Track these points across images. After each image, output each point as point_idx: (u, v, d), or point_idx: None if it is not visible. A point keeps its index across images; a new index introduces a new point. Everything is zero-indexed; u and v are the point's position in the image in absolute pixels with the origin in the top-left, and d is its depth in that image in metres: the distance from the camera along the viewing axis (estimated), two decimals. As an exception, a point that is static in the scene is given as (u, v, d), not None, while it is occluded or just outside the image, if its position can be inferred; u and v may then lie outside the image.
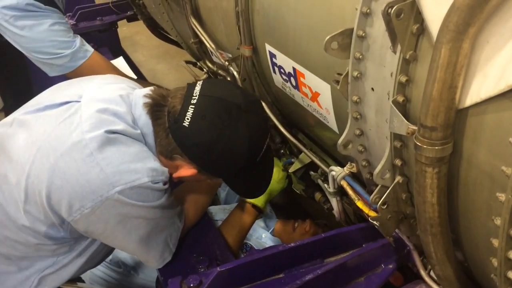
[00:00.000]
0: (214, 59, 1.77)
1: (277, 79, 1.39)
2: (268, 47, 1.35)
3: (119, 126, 1.07)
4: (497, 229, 0.70)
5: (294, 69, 1.24)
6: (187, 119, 1.06)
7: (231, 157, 1.11)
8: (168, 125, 1.09)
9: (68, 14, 2.81)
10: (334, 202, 1.26)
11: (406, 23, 0.76)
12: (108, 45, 3.01)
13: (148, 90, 1.17)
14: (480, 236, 0.80)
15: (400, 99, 0.83)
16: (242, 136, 1.08)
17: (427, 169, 0.76)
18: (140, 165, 1.06)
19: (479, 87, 0.68)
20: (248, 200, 1.53)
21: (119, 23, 3.10)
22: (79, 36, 1.86)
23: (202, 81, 1.17)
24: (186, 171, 1.14)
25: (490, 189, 0.73)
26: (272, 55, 1.34)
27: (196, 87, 1.11)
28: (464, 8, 0.62)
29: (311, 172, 1.47)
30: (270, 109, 1.52)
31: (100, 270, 1.79)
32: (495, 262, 0.74)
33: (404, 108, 0.84)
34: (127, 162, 1.04)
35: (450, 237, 0.86)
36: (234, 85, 1.23)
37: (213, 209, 1.96)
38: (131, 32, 4.54)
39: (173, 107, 1.10)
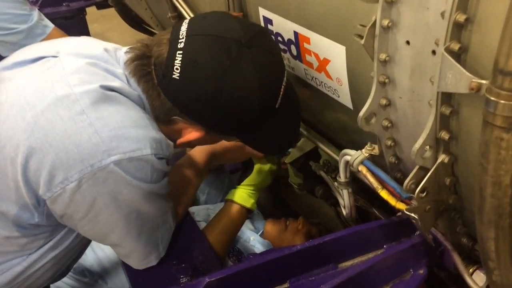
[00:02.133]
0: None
1: (273, 50, 1.17)
2: (262, 12, 1.13)
3: (115, 83, 0.85)
4: None
5: (296, 33, 1.02)
6: (176, 69, 0.84)
7: (241, 108, 0.88)
8: (157, 81, 0.87)
9: (30, -1, 2.54)
10: (345, 194, 1.04)
11: None
12: (76, 34, 2.73)
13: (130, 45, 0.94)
14: None
15: (456, 46, 0.62)
16: (249, 79, 0.85)
17: (504, 136, 0.55)
18: (143, 133, 0.84)
19: None
20: (236, 200, 1.31)
21: (89, 19, 2.84)
22: (36, 9, 1.60)
23: (189, 18, 0.93)
24: (192, 134, 0.93)
25: None
26: (267, 21, 1.12)
27: (182, 27, 0.88)
28: None
29: (311, 162, 1.26)
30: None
31: (63, 282, 1.53)
32: None
33: (458, 60, 0.63)
34: (127, 127, 0.83)
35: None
36: (230, 17, 0.96)
37: (194, 209, 1.72)
38: (103, 29, 4.30)
39: (159, 57, 0.87)
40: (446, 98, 0.67)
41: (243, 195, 1.33)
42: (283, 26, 1.06)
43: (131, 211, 0.89)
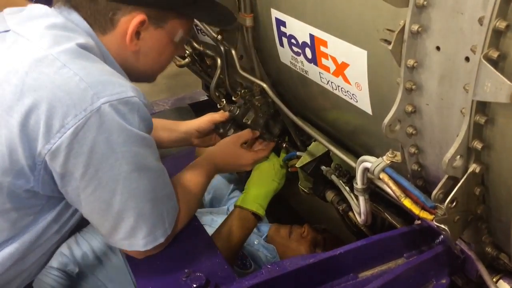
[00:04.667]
0: (201, 37, 1.50)
1: (285, 53, 1.14)
2: (275, 13, 1.10)
3: (82, 39, 0.91)
4: None
5: (311, 36, 1.00)
6: None
7: None
8: None
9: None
10: (361, 201, 1.01)
11: None
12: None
13: None
14: None
15: (494, 54, 0.60)
16: None
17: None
18: (122, 80, 0.90)
19: None
20: (246, 207, 1.29)
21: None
22: None
23: None
24: (135, 20, 0.95)
25: None
26: (280, 23, 1.10)
27: None
28: None
29: (323, 167, 1.23)
30: (273, 93, 1.27)
31: (57, 281, 1.51)
32: None
33: (496, 67, 0.61)
34: (108, 75, 0.89)
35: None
36: None
37: (197, 212, 1.70)
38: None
39: None
40: (481, 106, 0.65)
41: (247, 199, 1.33)
42: (298, 29, 1.04)
43: (130, 170, 0.90)
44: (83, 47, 0.90)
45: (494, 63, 0.61)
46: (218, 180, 1.91)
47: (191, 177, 1.19)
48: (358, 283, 0.86)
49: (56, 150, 0.84)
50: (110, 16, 0.95)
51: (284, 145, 1.42)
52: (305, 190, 1.33)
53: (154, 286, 1.02)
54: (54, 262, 1.55)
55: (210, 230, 1.30)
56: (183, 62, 1.71)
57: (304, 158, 1.27)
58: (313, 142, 1.28)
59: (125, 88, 0.88)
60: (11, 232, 0.94)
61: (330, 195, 1.27)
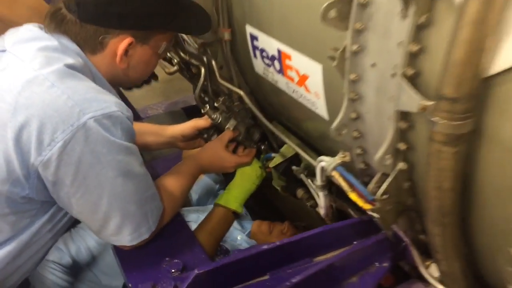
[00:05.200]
0: (186, 47, 1.64)
1: (258, 64, 1.28)
2: (249, 29, 1.24)
3: (70, 60, 1.01)
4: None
5: (278, 50, 1.13)
6: None
7: None
8: (74, 16, 1.04)
9: None
10: (321, 196, 1.15)
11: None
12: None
13: None
14: (498, 224, 0.71)
15: (410, 71, 0.73)
16: None
17: (444, 149, 0.67)
18: (107, 97, 1.00)
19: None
20: (223, 204, 1.42)
21: None
22: None
23: None
24: (123, 43, 1.07)
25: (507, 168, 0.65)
26: (253, 38, 1.23)
27: None
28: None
29: (293, 167, 1.37)
30: (250, 100, 1.40)
31: (54, 274, 1.63)
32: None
33: (413, 83, 0.75)
34: (93, 92, 0.99)
35: (461, 228, 0.77)
36: None
37: (185, 210, 1.82)
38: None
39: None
40: (404, 115, 0.79)
41: (229, 199, 1.43)
42: (268, 43, 1.17)
43: (115, 176, 1.01)
44: (71, 67, 1.00)
45: (411, 79, 0.74)
46: (205, 182, 2.04)
47: (176, 178, 1.32)
48: (312, 265, 0.99)
49: (47, 162, 0.94)
50: (100, 40, 1.06)
51: (263, 148, 1.55)
52: (279, 188, 1.46)
53: (138, 273, 1.14)
54: (51, 255, 1.67)
55: (195, 226, 1.43)
56: (171, 70, 1.85)
57: (277, 159, 1.40)
58: (285, 145, 1.41)
59: (109, 104, 0.98)
60: (9, 233, 1.04)
61: (300, 193, 1.40)
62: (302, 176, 1.33)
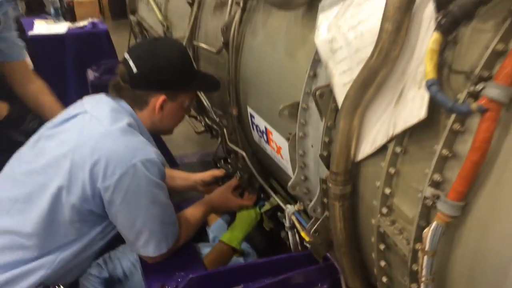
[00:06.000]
0: (210, 115, 2.15)
1: (255, 135, 1.75)
2: (249, 109, 1.72)
3: (126, 119, 1.51)
4: (373, 245, 1.02)
5: (265, 128, 1.61)
6: (132, 66, 1.54)
7: (175, 67, 1.59)
8: (128, 85, 1.56)
9: (93, 67, 3.26)
10: (290, 235, 1.57)
11: (327, 102, 1.13)
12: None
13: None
14: (368, 252, 1.12)
15: (325, 153, 1.18)
16: (172, 51, 1.61)
17: (335, 203, 1.10)
18: (149, 148, 1.49)
19: (364, 148, 1.03)
20: (225, 241, 1.83)
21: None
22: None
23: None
24: (159, 100, 1.58)
25: (368, 216, 1.06)
26: (252, 116, 1.72)
27: (126, 55, 1.59)
28: (351, 96, 0.98)
29: (279, 213, 1.80)
30: (250, 160, 1.87)
31: (92, 285, 2.08)
32: (375, 270, 1.06)
33: (327, 160, 1.19)
34: (141, 144, 1.48)
35: (356, 255, 1.17)
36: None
37: (201, 245, 2.26)
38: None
39: (121, 71, 1.58)
40: (324, 179, 1.22)
41: (230, 238, 1.86)
42: (259, 121, 1.65)
43: (148, 202, 1.47)
44: (129, 125, 1.51)
45: (326, 158, 1.18)
46: (220, 223, 2.49)
47: (193, 212, 1.79)
48: (273, 280, 1.41)
49: (107, 187, 1.42)
50: (144, 99, 1.59)
51: (261, 195, 2.00)
52: (267, 229, 1.89)
53: (154, 278, 1.58)
54: (93, 270, 2.15)
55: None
56: (199, 130, 2.37)
57: (267, 206, 1.84)
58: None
59: (151, 152, 1.47)
60: (74, 236, 1.52)
61: (283, 233, 1.82)
62: (284, 221, 1.76)
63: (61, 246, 1.52)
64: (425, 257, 0.81)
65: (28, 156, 1.56)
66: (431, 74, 0.77)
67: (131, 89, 1.57)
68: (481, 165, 0.73)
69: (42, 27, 3.86)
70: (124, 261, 2.22)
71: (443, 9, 0.82)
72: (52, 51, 3.75)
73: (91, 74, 3.07)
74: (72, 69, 3.83)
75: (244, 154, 1.86)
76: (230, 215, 2.46)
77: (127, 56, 1.58)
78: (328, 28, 1.09)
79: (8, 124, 2.18)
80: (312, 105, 1.22)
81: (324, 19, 1.12)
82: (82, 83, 3.62)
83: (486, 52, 0.76)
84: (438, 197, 0.80)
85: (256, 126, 1.70)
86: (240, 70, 1.72)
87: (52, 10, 4.08)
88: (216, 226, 2.45)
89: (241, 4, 1.66)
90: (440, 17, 0.78)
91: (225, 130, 1.90)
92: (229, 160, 2.06)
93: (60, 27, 3.86)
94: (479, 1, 0.75)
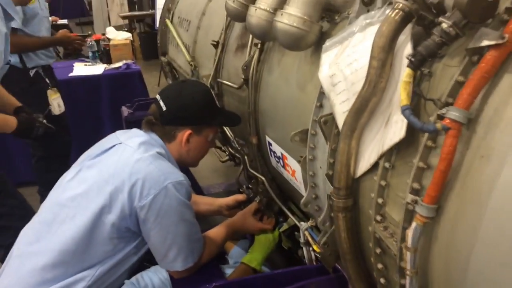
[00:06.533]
0: (233, 145, 2.36)
1: (273, 161, 1.94)
2: (267, 138, 1.92)
3: (157, 149, 1.73)
4: (371, 251, 1.18)
5: (281, 153, 1.79)
6: (163, 106, 1.77)
7: (199, 103, 1.81)
8: (159, 121, 1.78)
9: (127, 105, 3.53)
10: (305, 251, 1.73)
11: (331, 128, 1.31)
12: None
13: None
14: (369, 257, 1.27)
15: (330, 172, 1.35)
16: (196, 91, 1.83)
17: (338, 214, 1.26)
18: (178, 171, 1.70)
19: (362, 166, 1.20)
20: (246, 262, 1.98)
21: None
22: None
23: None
24: (185, 134, 1.78)
25: (367, 225, 1.22)
26: (269, 144, 1.91)
27: (157, 96, 1.82)
28: (348, 122, 1.17)
29: (296, 232, 1.96)
30: (269, 184, 2.05)
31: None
32: (375, 273, 1.21)
33: (332, 178, 1.36)
34: (171, 168, 1.70)
35: (361, 262, 1.32)
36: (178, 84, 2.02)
37: (224, 266, 2.42)
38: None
39: (152, 109, 1.82)
40: (330, 195, 1.39)
41: (250, 259, 2.02)
42: (276, 148, 1.84)
43: (178, 220, 1.65)
44: (159, 153, 1.72)
45: (331, 176, 1.36)
46: (237, 250, 2.64)
47: (217, 233, 1.97)
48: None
49: (143, 206, 1.61)
50: (172, 134, 1.79)
51: (280, 219, 2.17)
52: (286, 248, 2.05)
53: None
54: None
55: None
56: (224, 159, 2.58)
57: (285, 226, 2.01)
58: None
59: (180, 176, 1.67)
60: (111, 252, 1.70)
61: (300, 252, 1.97)
62: (301, 240, 1.92)
63: (101, 260, 1.71)
64: (408, 253, 0.97)
65: (71, 184, 1.78)
66: (405, 101, 0.96)
67: (161, 125, 1.79)
68: (448, 173, 0.90)
69: (81, 69, 4.22)
70: (155, 279, 2.40)
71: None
72: (89, 91, 4.08)
73: (125, 111, 3.33)
74: (107, 106, 4.15)
75: (263, 179, 2.05)
76: (249, 239, 2.63)
77: (158, 97, 1.81)
78: (329, 65, 1.29)
79: (18, 135, 2.43)
80: (319, 131, 1.41)
81: (326, 58, 1.32)
82: (116, 119, 3.91)
83: (450, 83, 0.94)
84: (416, 202, 0.96)
85: (274, 152, 1.89)
86: (259, 103, 1.93)
87: (90, 53, 4.44)
88: (235, 252, 2.61)
89: (259, 46, 1.89)
90: (410, 56, 0.97)
91: (246, 158, 2.10)
92: (250, 186, 2.25)
93: (98, 69, 4.20)
94: (442, 42, 0.93)
